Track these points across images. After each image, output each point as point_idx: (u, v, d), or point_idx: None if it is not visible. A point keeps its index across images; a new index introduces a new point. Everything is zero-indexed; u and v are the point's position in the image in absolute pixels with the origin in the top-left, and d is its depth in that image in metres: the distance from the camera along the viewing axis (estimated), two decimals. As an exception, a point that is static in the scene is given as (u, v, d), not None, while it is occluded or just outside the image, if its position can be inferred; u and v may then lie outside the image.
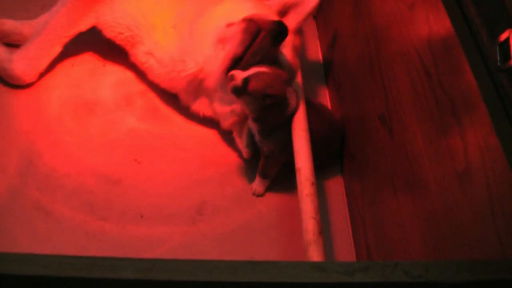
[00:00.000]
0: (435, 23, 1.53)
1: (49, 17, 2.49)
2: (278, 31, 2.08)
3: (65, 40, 2.48)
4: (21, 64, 2.43)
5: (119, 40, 2.48)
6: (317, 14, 2.99)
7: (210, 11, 2.32)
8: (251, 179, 2.29)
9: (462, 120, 1.35)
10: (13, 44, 2.58)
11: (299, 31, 2.35)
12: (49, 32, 2.44)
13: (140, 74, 2.54)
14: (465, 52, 1.36)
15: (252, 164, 2.31)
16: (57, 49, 2.48)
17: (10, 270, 0.93)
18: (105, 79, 2.59)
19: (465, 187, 1.32)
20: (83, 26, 2.47)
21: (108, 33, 2.47)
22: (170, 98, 2.50)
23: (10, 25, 2.59)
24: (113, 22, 2.43)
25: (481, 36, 1.40)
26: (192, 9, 2.39)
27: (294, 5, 2.27)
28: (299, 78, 2.34)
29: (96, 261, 0.92)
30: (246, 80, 2.02)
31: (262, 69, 2.06)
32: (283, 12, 2.29)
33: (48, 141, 2.34)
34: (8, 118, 2.39)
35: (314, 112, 2.24)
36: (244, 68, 2.09)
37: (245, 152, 2.27)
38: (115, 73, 2.60)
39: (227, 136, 2.40)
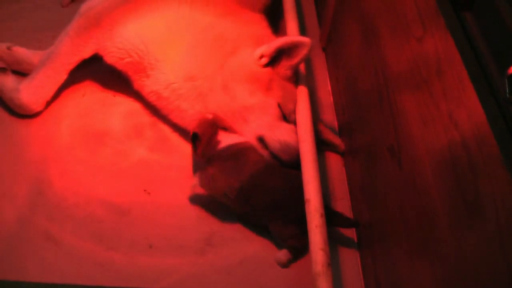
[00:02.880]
0: (444, 55, 1.53)
1: (54, 46, 2.53)
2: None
3: (70, 67, 2.51)
4: (28, 93, 2.46)
5: (120, 66, 2.50)
6: (326, 45, 3.01)
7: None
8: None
9: (471, 152, 1.35)
10: (22, 73, 2.63)
11: (293, 75, 2.39)
12: (54, 60, 2.48)
13: (148, 104, 2.57)
14: (474, 84, 1.36)
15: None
16: (63, 76, 2.51)
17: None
18: (115, 110, 2.61)
19: (474, 218, 1.32)
20: (86, 53, 2.50)
21: (109, 59, 2.50)
22: (180, 129, 2.51)
23: (23, 53, 2.64)
24: (112, 47, 2.46)
25: (490, 69, 1.41)
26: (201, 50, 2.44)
27: (287, 51, 2.29)
28: (308, 110, 2.34)
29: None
30: None
31: None
32: (277, 56, 2.31)
33: (58, 171, 2.35)
34: (18, 147, 2.41)
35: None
36: None
37: None
38: (125, 103, 2.62)
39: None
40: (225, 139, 2.26)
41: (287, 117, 2.31)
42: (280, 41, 2.30)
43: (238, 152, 2.24)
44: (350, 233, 2.27)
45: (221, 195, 2.20)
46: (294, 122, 2.32)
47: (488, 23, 1.51)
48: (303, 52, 2.27)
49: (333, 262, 2.00)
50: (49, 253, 2.10)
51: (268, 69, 2.32)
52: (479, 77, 1.39)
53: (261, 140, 2.29)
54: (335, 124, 2.69)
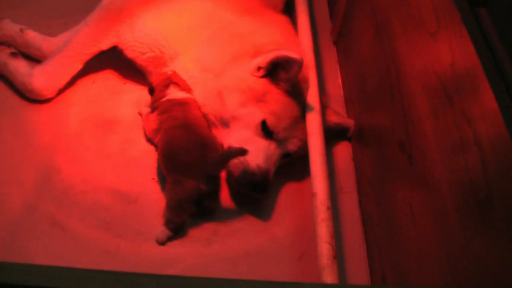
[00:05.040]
0: (459, 51, 1.53)
1: (71, 35, 2.52)
2: None
3: (86, 57, 2.51)
4: (41, 79, 2.46)
5: (140, 61, 2.51)
6: (337, 39, 3.00)
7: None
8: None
9: (484, 149, 1.34)
10: (30, 57, 2.64)
11: (294, 89, 2.33)
12: (71, 49, 2.48)
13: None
14: (489, 80, 1.36)
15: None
16: (78, 66, 2.52)
17: (32, 282, 0.93)
18: (125, 97, 2.60)
19: (485, 215, 1.32)
20: (104, 45, 2.51)
21: (130, 53, 2.50)
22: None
23: (34, 37, 2.65)
24: (134, 41, 2.46)
25: (505, 65, 1.40)
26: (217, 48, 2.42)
27: (282, 64, 2.23)
28: (317, 103, 2.34)
29: (118, 276, 0.92)
30: None
31: None
32: (274, 68, 2.27)
33: (66, 157, 2.35)
34: (28, 132, 2.41)
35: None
36: None
37: None
38: (135, 91, 2.61)
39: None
40: (171, 94, 2.36)
41: (275, 135, 2.26)
42: (272, 55, 2.24)
43: (167, 108, 2.31)
44: (357, 226, 2.27)
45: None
46: (282, 139, 2.28)
47: (503, 19, 1.51)
48: (294, 69, 2.22)
49: (339, 255, 2.00)
50: (55, 239, 2.11)
51: (264, 81, 2.28)
52: (493, 73, 1.38)
53: None
54: (345, 116, 2.67)
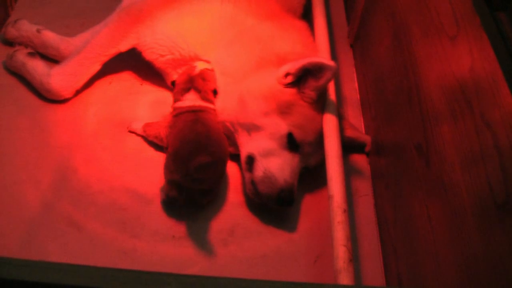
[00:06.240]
0: (478, 55, 1.53)
1: (90, 36, 2.53)
2: None
3: (105, 59, 2.51)
4: (59, 79, 2.47)
5: (159, 63, 2.52)
6: (354, 42, 3.00)
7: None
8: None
9: (503, 152, 1.34)
10: (47, 57, 2.67)
11: (319, 99, 2.29)
12: (90, 50, 2.48)
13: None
14: (509, 85, 1.36)
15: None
16: (96, 67, 2.52)
17: (54, 279, 0.94)
18: (141, 98, 2.61)
19: (504, 219, 1.31)
20: (124, 47, 2.51)
21: (148, 55, 2.51)
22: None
23: (51, 37, 2.67)
24: (153, 43, 2.46)
25: (526, 70, 1.40)
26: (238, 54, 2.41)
27: (312, 71, 2.19)
28: (333, 104, 2.33)
29: (139, 275, 0.92)
30: None
31: None
32: (303, 75, 2.23)
33: (83, 157, 2.37)
34: (45, 132, 2.42)
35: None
36: None
37: None
38: (152, 92, 2.62)
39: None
40: (189, 99, 2.34)
41: (300, 149, 2.25)
42: (305, 61, 2.20)
43: (179, 116, 2.29)
44: (373, 229, 2.27)
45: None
46: (306, 153, 2.27)
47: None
48: (327, 76, 2.19)
49: (354, 258, 1.99)
50: (71, 238, 2.12)
51: (292, 91, 2.25)
52: (514, 77, 1.38)
53: (249, 160, 2.25)
54: (361, 120, 2.68)
